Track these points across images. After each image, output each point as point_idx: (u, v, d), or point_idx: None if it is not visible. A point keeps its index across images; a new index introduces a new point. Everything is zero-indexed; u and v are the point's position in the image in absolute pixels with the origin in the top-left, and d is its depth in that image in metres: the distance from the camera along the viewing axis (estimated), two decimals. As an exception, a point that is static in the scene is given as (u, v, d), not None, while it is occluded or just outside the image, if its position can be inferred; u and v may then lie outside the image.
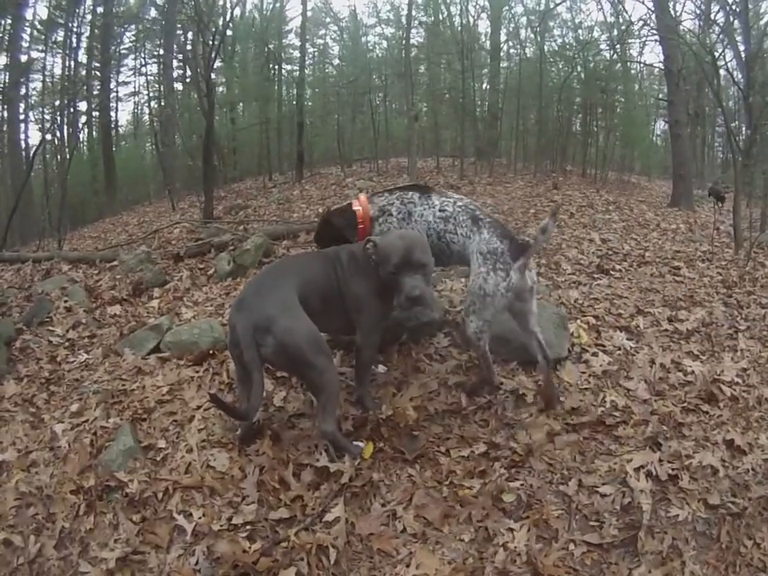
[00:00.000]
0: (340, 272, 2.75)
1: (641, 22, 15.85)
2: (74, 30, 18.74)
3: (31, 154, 14.42)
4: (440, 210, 3.07)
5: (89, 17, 19.02)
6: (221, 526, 2.34)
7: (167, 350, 3.73)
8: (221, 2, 17.71)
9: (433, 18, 18.95)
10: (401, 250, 2.59)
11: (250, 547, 2.23)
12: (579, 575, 2.12)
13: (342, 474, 2.48)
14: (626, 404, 2.99)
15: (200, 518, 2.39)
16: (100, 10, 18.96)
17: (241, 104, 20.16)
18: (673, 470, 2.54)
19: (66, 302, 4.91)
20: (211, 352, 3.53)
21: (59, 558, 2.35)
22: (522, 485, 2.48)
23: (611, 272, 5.45)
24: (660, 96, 16.82)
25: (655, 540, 2.24)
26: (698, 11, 16.76)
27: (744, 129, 14.30)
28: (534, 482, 2.50)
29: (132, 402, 3.18)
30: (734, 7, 13.83)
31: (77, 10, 18.61)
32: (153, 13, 20.16)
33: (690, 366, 3.39)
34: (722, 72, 15.90)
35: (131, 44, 20.98)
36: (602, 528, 2.30)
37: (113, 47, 20.06)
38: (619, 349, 3.53)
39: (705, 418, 2.95)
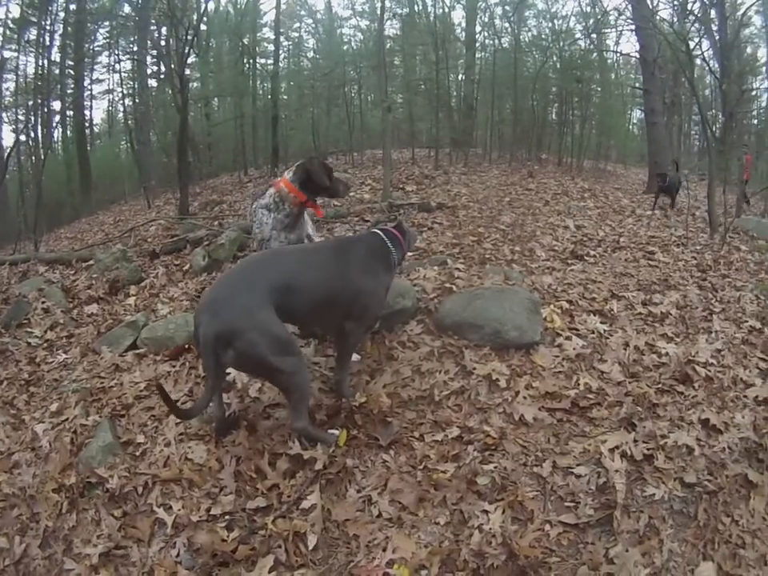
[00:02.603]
0: (344, 266, 2.74)
1: (616, 12, 16.03)
2: (47, 28, 18.47)
3: (5, 156, 14.25)
4: None
5: (62, 14, 18.78)
6: (200, 517, 2.35)
7: (144, 346, 3.73)
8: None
9: (408, 10, 18.95)
10: None
11: (228, 536, 2.24)
12: (556, 555, 2.14)
13: (316, 461, 2.50)
14: (599, 386, 3.02)
15: (179, 510, 2.40)
16: (73, 7, 18.69)
17: (216, 99, 19.96)
18: (648, 449, 2.57)
19: (43, 303, 4.89)
20: (187, 347, 3.54)
21: (44, 557, 2.35)
22: (495, 467, 2.49)
23: (585, 258, 5.50)
24: (636, 85, 16.94)
25: (631, 519, 2.27)
26: (675, 1, 16.95)
27: (720, 116, 14.55)
28: (509, 464, 2.52)
29: (110, 398, 3.19)
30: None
31: (50, 8, 18.31)
32: (126, 9, 19.89)
33: (665, 348, 3.43)
34: (698, 61, 16.20)
35: (105, 41, 20.67)
36: (577, 508, 2.32)
37: (86, 44, 19.76)
38: (593, 332, 3.56)
39: (680, 398, 2.98)
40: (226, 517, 2.35)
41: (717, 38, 14.15)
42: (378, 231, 3.01)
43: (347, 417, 2.77)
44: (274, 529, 2.24)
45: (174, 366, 3.40)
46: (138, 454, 2.75)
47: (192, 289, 4.80)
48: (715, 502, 2.36)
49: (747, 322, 3.95)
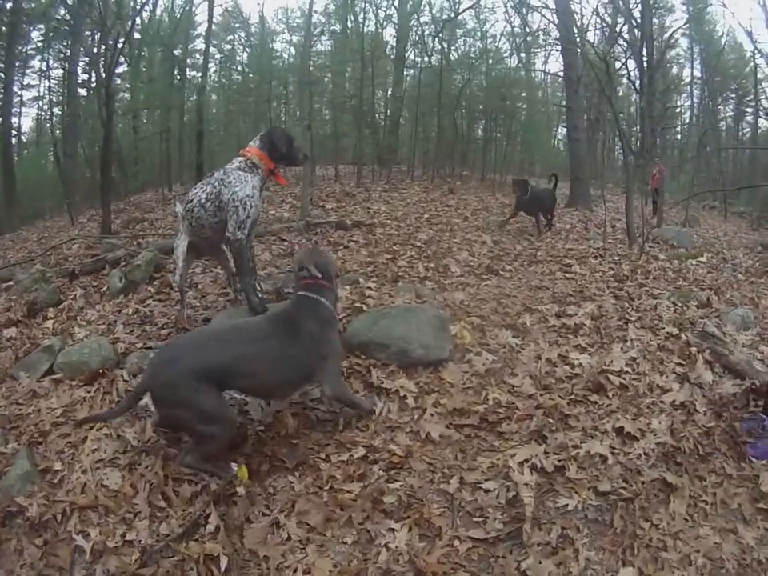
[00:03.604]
0: (284, 336, 2.77)
1: (541, 33, 16.66)
2: (-21, 28, 17.61)
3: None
4: None
5: (-2, 12, 17.86)
6: (116, 543, 2.35)
7: (60, 371, 3.66)
8: (131, 4, 17.10)
9: (340, 26, 19.02)
10: None
11: (142, 561, 2.25)
12: (466, 570, 2.19)
13: (216, 486, 2.54)
14: (509, 400, 3.09)
15: (97, 536, 2.38)
16: (10, 5, 17.81)
17: (145, 111, 19.40)
18: (559, 461, 2.64)
19: (-38, 327, 4.71)
20: (101, 371, 3.50)
21: (-30, 592, 2.30)
22: (401, 486, 2.54)
23: (501, 272, 5.57)
24: (562, 103, 17.55)
25: (542, 531, 2.33)
26: (603, 24, 17.73)
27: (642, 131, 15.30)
28: (415, 482, 2.57)
29: (28, 426, 3.13)
30: (638, 20, 14.77)
31: (-17, 7, 17.45)
32: (63, 12, 19.09)
33: (578, 359, 3.52)
34: (624, 80, 17.03)
35: (39, 44, 19.79)
36: (486, 523, 2.37)
37: (19, 47, 18.91)
38: (504, 347, 3.64)
39: (593, 408, 3.06)
40: (141, 542, 2.35)
41: (645, 58, 14.89)
42: (303, 293, 2.92)
43: (253, 443, 2.81)
44: (187, 552, 2.25)
45: (89, 392, 3.35)
46: (55, 481, 2.72)
47: (109, 311, 4.71)
48: (632, 508, 2.43)
49: (664, 328, 4.03)
